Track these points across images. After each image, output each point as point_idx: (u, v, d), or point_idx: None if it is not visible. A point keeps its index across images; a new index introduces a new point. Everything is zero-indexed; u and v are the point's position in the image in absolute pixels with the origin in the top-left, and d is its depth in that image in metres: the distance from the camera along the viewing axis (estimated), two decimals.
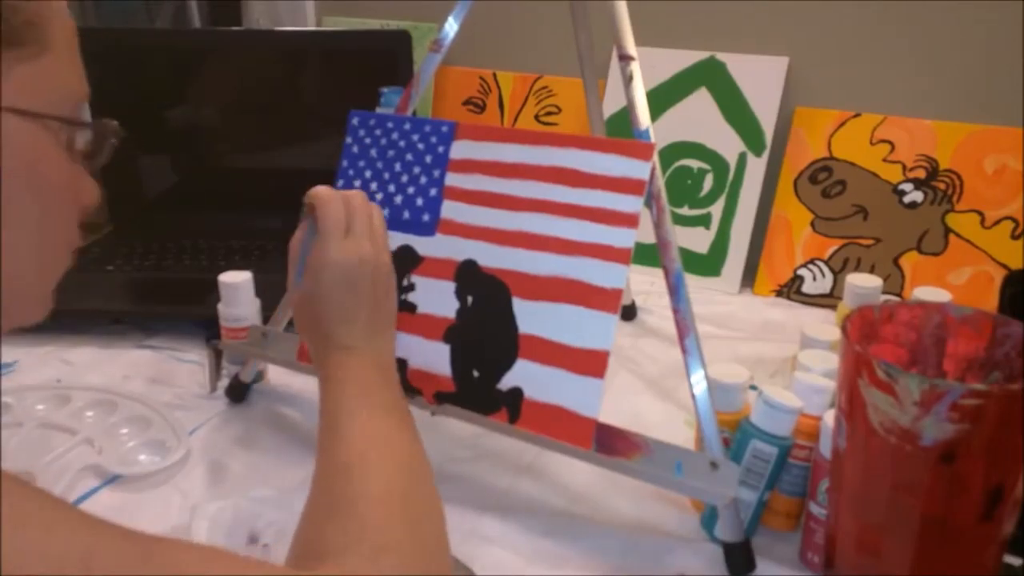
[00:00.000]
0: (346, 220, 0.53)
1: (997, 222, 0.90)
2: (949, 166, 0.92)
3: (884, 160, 0.95)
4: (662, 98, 1.05)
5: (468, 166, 0.62)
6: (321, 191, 0.54)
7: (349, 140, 0.68)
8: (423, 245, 0.63)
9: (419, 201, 0.64)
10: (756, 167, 1.00)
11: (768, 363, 0.81)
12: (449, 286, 0.61)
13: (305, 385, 0.77)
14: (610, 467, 0.55)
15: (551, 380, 0.56)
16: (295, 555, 0.42)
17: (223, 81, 1.10)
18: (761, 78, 1.00)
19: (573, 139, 0.59)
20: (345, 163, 0.68)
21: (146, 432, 0.69)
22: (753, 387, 0.59)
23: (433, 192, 0.63)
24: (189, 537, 0.57)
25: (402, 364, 0.62)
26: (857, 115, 0.97)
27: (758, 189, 1.00)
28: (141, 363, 0.82)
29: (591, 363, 0.55)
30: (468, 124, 0.63)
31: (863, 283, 0.75)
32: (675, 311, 0.56)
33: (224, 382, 0.76)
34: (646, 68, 0.62)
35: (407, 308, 0.63)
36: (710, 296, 0.98)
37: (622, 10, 0.62)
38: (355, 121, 0.68)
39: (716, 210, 1.02)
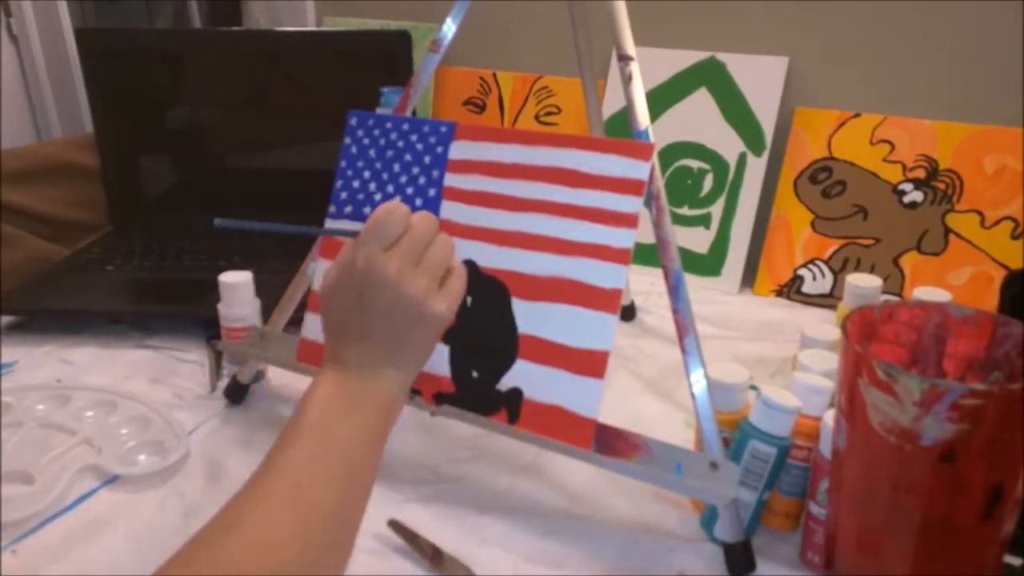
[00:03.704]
0: (397, 236, 0.47)
1: (997, 222, 0.90)
2: (949, 166, 0.92)
3: (884, 160, 0.95)
4: (662, 98, 1.05)
5: (467, 166, 0.62)
6: (392, 204, 0.49)
7: (348, 140, 0.68)
8: None
9: (418, 201, 0.64)
10: (756, 167, 1.00)
11: (768, 363, 0.81)
12: None
13: (305, 386, 0.76)
14: (610, 467, 0.54)
15: (551, 380, 0.56)
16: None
17: (223, 81, 1.10)
18: (761, 78, 1.00)
19: (572, 139, 0.59)
20: (344, 163, 0.67)
21: (146, 432, 0.69)
22: (753, 387, 0.59)
23: (432, 192, 0.63)
24: (187, 538, 0.57)
25: None
26: (857, 115, 0.97)
27: (758, 189, 1.00)
28: (141, 363, 0.82)
29: (591, 363, 0.55)
30: (467, 124, 0.63)
31: (863, 283, 0.75)
32: (675, 311, 0.56)
33: (224, 382, 0.76)
34: (646, 68, 0.62)
35: None
36: (710, 296, 0.98)
37: (621, 10, 0.62)
38: (353, 121, 0.68)
39: (716, 210, 1.02)
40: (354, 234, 0.48)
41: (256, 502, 0.41)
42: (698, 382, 0.55)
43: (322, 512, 0.41)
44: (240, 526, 0.39)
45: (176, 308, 0.91)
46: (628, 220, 0.55)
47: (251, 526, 0.39)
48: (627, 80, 0.60)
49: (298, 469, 0.42)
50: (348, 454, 0.44)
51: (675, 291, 0.56)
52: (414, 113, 0.71)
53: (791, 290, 0.98)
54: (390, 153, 0.66)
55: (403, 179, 0.65)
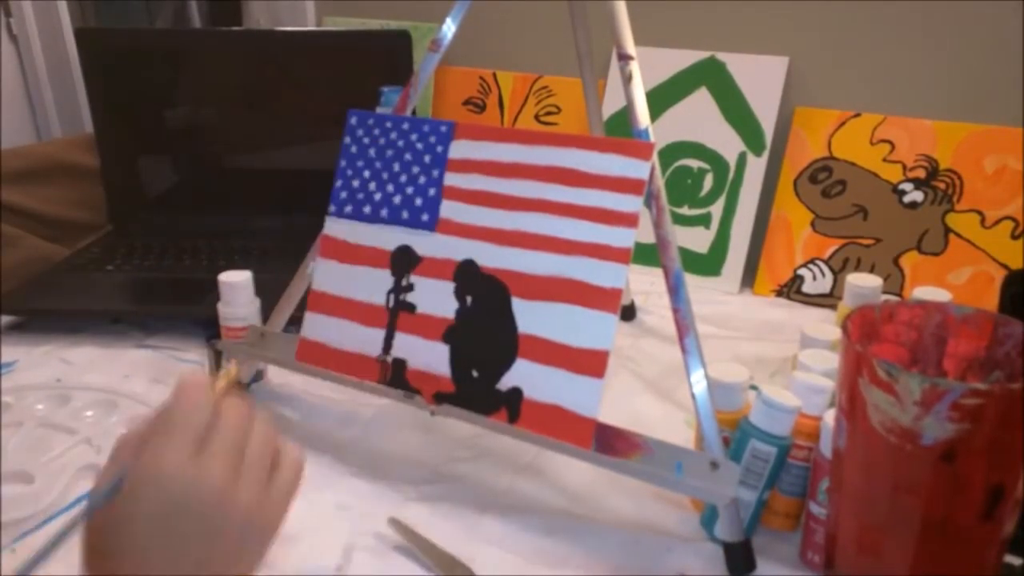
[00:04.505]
0: (205, 430, 0.37)
1: (997, 222, 0.90)
2: (949, 166, 0.92)
3: (884, 160, 0.95)
4: (662, 98, 1.05)
5: (467, 166, 0.62)
6: (188, 377, 0.38)
7: (347, 140, 0.68)
8: (422, 245, 0.63)
9: (418, 201, 0.64)
10: (756, 167, 1.00)
11: (768, 363, 0.81)
12: (448, 286, 0.61)
13: (305, 386, 0.77)
14: (610, 467, 0.54)
15: (551, 380, 0.56)
16: None
17: (223, 81, 1.10)
18: (761, 78, 1.00)
19: (572, 139, 0.59)
20: (343, 163, 0.67)
21: None
22: (753, 387, 0.59)
23: (432, 192, 0.63)
24: None
25: (401, 364, 0.62)
26: (857, 115, 0.97)
27: (758, 189, 1.00)
28: (141, 363, 0.82)
29: (591, 363, 0.55)
30: (467, 124, 0.63)
31: (863, 283, 0.75)
32: (675, 311, 0.56)
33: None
34: (646, 68, 0.62)
35: (406, 308, 0.63)
36: (710, 296, 0.98)
37: (621, 10, 0.62)
38: (353, 121, 0.68)
39: (716, 210, 1.02)
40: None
41: None
42: (698, 382, 0.55)
43: None
44: None
45: (176, 308, 0.91)
46: (628, 219, 0.55)
47: None
48: (627, 80, 0.60)
49: None
50: None
51: (675, 291, 0.56)
52: (414, 113, 0.71)
53: (791, 290, 0.98)
54: (390, 152, 0.66)
55: (403, 178, 0.65)
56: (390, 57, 1.05)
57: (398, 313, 0.63)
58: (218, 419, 0.37)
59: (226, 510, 0.36)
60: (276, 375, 0.78)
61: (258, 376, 0.77)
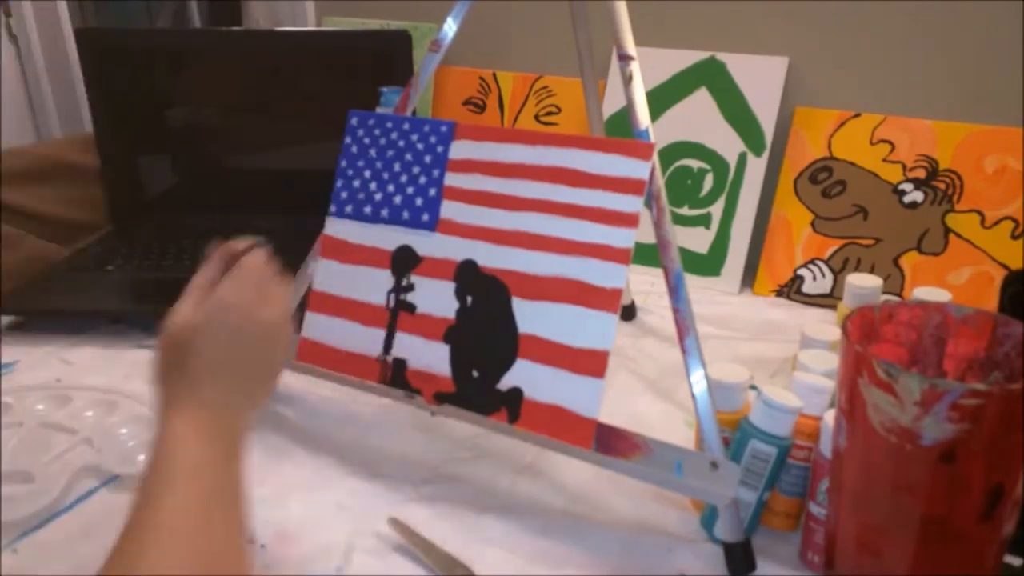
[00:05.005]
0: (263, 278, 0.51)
1: (997, 222, 0.90)
2: (949, 166, 0.92)
3: (884, 160, 0.95)
4: (662, 98, 1.05)
5: (467, 166, 0.62)
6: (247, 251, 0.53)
7: (348, 140, 0.68)
8: (422, 245, 0.63)
9: (418, 201, 0.64)
10: (756, 167, 1.00)
11: (768, 363, 0.81)
12: (449, 286, 0.61)
13: (304, 385, 0.77)
14: (610, 467, 0.54)
15: (551, 380, 0.56)
16: None
17: (223, 81, 1.10)
18: (761, 78, 1.00)
19: (573, 139, 0.59)
20: (344, 163, 0.68)
21: (146, 432, 0.69)
22: (753, 387, 0.59)
23: (432, 192, 0.63)
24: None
25: (402, 364, 0.62)
26: (857, 115, 0.97)
27: (758, 189, 1.00)
28: (141, 363, 0.82)
29: (591, 363, 0.55)
30: (467, 124, 0.63)
31: (863, 283, 0.75)
32: (675, 311, 0.56)
33: None
34: (646, 68, 0.62)
35: (407, 308, 0.63)
36: (710, 296, 0.99)
37: (622, 10, 0.62)
38: (354, 121, 0.68)
39: (716, 210, 1.02)
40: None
41: (146, 552, 0.39)
42: (698, 382, 0.55)
43: (210, 556, 0.41)
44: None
45: None
46: (628, 220, 0.55)
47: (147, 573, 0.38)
48: (627, 80, 0.60)
49: (181, 516, 0.41)
50: (227, 497, 0.44)
51: (675, 291, 0.56)
52: (414, 113, 0.71)
53: (791, 290, 0.98)
54: (390, 153, 0.66)
55: (403, 178, 0.65)
56: (390, 57, 1.05)
57: (398, 313, 0.63)
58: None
59: (278, 338, 0.50)
60: None
61: None
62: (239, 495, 0.44)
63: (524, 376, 0.57)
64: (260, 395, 0.50)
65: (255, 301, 0.49)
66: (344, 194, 0.67)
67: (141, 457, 0.66)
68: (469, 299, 0.60)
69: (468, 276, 0.61)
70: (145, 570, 0.38)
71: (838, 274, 0.96)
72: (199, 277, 0.51)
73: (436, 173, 0.64)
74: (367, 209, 0.66)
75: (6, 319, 0.89)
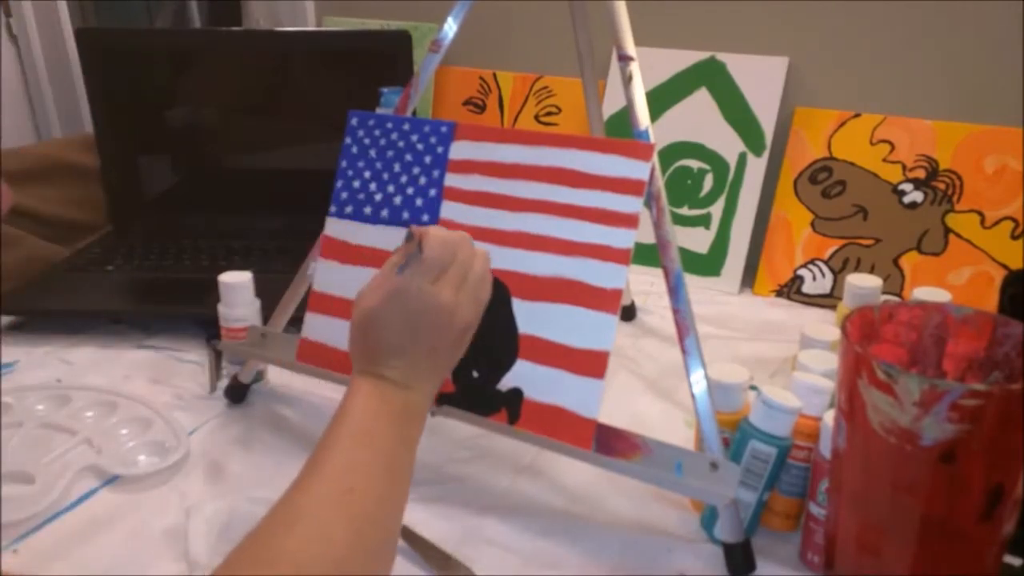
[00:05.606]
0: (445, 265, 0.52)
1: (997, 222, 0.90)
2: (949, 166, 0.92)
3: (884, 160, 0.95)
4: (662, 98, 1.05)
5: (467, 166, 0.62)
6: (433, 231, 0.53)
7: (348, 140, 0.68)
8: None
9: (418, 202, 0.64)
10: (756, 167, 1.00)
11: (768, 363, 0.81)
12: None
13: (305, 386, 0.77)
14: (610, 467, 0.54)
15: (551, 381, 0.56)
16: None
17: (223, 81, 1.10)
18: (761, 78, 1.00)
19: (573, 139, 0.59)
20: (344, 163, 0.67)
21: (146, 433, 0.69)
22: (753, 387, 0.59)
23: (432, 193, 0.63)
24: (186, 538, 0.57)
25: None
26: (857, 115, 0.97)
27: (758, 189, 1.00)
28: (141, 363, 0.82)
29: (591, 363, 0.55)
30: (467, 124, 0.63)
31: (863, 283, 0.75)
32: (675, 311, 0.56)
33: (224, 382, 0.76)
34: (646, 68, 0.62)
35: None
36: (710, 296, 0.99)
37: (622, 10, 0.62)
38: (354, 121, 0.68)
39: (716, 210, 1.02)
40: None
41: (310, 503, 0.42)
42: (698, 382, 0.55)
43: (371, 516, 0.43)
44: (296, 526, 0.41)
45: (176, 308, 0.91)
46: (628, 220, 0.55)
47: (307, 526, 0.41)
48: (627, 80, 0.60)
49: (347, 474, 0.44)
50: (391, 462, 0.47)
51: (675, 291, 0.56)
52: (414, 113, 0.71)
53: (791, 290, 0.98)
54: (391, 153, 0.66)
55: (403, 179, 0.65)
56: (390, 57, 1.05)
57: None
58: (454, 257, 0.52)
59: (450, 320, 0.51)
60: (276, 375, 0.78)
61: (258, 377, 0.77)
62: (402, 464, 0.48)
63: (524, 376, 0.57)
64: (439, 372, 0.52)
65: (432, 287, 0.51)
66: (344, 194, 0.67)
67: (142, 457, 0.67)
68: None
69: None
70: (303, 505, 0.42)
71: (838, 274, 0.96)
72: (388, 261, 0.53)
73: (436, 174, 0.63)
74: (367, 209, 0.66)
75: (6, 319, 0.89)
